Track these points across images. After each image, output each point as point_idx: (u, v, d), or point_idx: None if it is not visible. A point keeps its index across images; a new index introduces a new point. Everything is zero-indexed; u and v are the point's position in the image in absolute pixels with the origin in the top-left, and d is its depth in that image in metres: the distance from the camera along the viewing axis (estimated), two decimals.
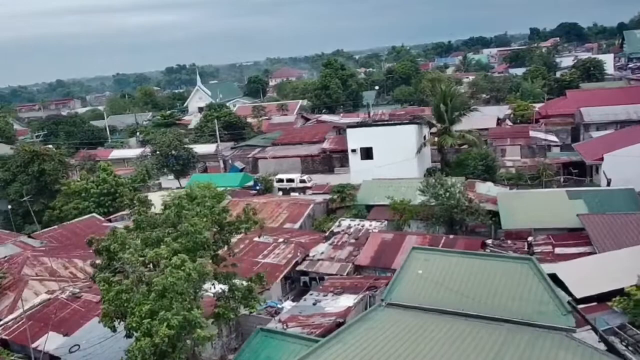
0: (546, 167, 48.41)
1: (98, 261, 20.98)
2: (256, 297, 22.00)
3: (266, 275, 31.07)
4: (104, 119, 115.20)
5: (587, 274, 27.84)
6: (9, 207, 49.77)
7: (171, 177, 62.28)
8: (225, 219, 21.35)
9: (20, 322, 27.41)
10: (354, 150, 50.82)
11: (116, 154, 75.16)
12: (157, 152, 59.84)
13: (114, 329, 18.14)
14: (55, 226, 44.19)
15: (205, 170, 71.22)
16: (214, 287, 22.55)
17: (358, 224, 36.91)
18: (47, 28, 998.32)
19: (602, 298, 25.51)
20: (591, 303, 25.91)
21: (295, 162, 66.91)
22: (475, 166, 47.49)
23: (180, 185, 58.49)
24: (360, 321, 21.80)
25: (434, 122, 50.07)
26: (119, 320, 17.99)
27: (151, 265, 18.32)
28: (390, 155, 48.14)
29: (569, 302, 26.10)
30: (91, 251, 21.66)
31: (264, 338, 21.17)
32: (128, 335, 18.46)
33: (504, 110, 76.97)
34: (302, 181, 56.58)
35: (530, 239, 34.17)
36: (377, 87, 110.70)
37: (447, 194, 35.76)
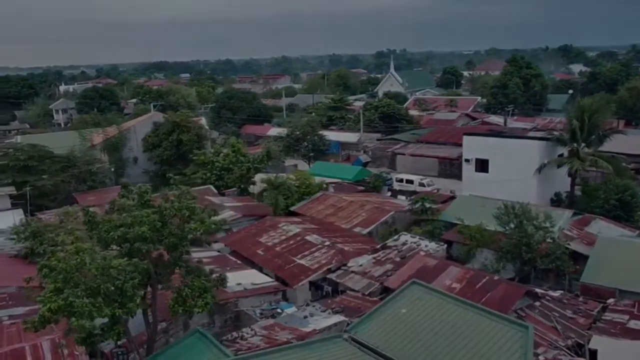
0: None
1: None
2: (206, 298, 21.80)
3: (291, 276, 30.98)
4: (293, 96, 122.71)
5: None
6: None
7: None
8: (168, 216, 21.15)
9: None
10: (467, 160, 46.13)
11: (273, 131, 79.68)
12: (291, 135, 62.00)
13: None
14: None
15: (347, 159, 71.94)
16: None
17: (416, 242, 33.82)
18: (277, 7, 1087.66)
19: None
20: None
21: (432, 163, 63.58)
22: (606, 199, 39.59)
23: (309, 168, 60.18)
24: (299, 347, 20.50)
25: (567, 140, 42.74)
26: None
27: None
28: (507, 172, 42.79)
29: None
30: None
31: (196, 340, 21.03)
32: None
33: None
34: (421, 184, 53.51)
35: (610, 301, 27.61)
36: (570, 91, 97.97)
37: (522, 226, 30.60)
